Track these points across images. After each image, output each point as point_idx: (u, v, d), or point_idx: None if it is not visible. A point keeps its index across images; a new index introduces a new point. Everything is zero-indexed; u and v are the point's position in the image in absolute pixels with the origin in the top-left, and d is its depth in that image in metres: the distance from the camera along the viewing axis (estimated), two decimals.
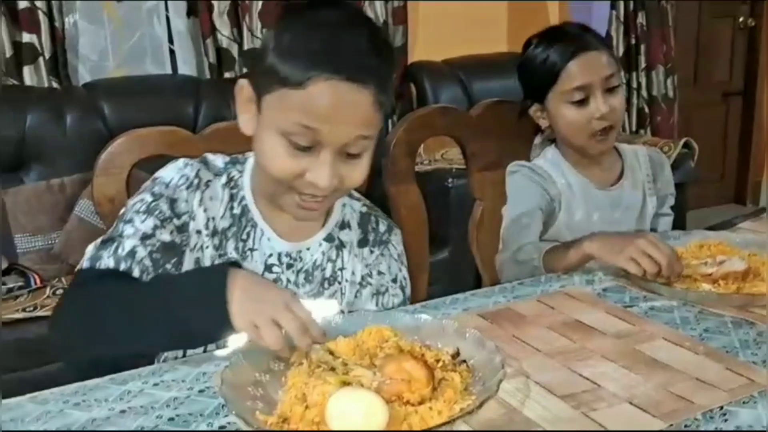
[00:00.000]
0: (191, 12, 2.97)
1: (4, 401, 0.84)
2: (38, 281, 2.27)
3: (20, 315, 2.09)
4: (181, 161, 1.07)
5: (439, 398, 0.77)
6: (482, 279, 1.64)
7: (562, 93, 1.40)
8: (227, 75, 2.99)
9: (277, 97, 0.95)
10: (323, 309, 1.06)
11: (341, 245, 1.14)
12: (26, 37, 2.58)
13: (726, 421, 0.76)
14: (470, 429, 0.75)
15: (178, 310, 0.88)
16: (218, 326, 0.86)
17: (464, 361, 0.86)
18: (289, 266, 1.10)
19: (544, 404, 0.81)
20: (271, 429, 0.74)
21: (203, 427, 0.78)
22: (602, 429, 0.75)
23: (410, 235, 1.51)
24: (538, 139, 1.62)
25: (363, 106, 0.94)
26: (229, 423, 0.78)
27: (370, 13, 3.22)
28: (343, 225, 1.15)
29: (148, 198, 1.03)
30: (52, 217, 2.43)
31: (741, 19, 4.40)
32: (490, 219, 1.61)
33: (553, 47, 1.41)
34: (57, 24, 2.65)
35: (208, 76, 2.97)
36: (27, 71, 2.61)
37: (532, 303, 1.11)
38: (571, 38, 1.41)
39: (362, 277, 1.15)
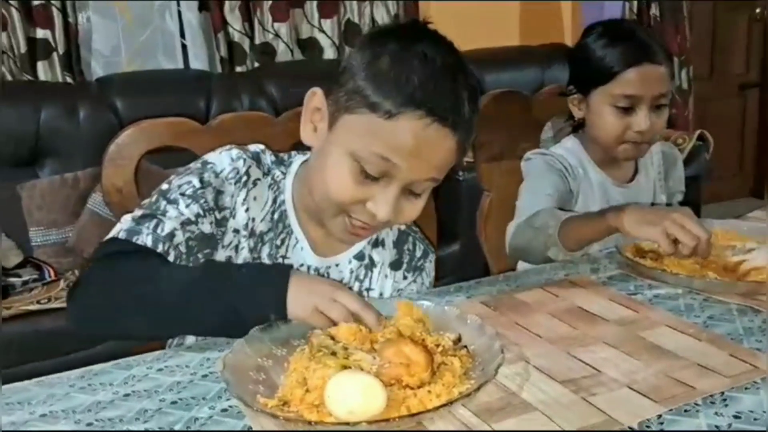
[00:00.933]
0: (203, 7, 2.99)
1: (12, 385, 0.85)
2: (53, 274, 2.30)
3: (35, 307, 2.12)
4: (234, 151, 1.04)
5: (437, 382, 0.77)
6: (490, 269, 1.64)
7: (611, 95, 1.37)
8: (238, 69, 3.00)
9: (359, 120, 0.93)
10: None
11: (371, 264, 1.12)
12: (40, 33, 2.61)
13: (726, 406, 0.76)
14: (469, 412, 0.75)
15: (233, 297, 0.88)
16: (271, 313, 0.88)
17: (465, 346, 0.87)
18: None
19: (542, 388, 0.81)
20: (271, 412, 0.74)
21: (205, 410, 0.79)
22: (602, 413, 0.75)
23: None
24: (548, 130, 1.61)
25: (446, 151, 0.94)
26: (231, 406, 0.79)
27: (381, 7, 3.22)
28: (377, 243, 1.13)
29: (196, 183, 1.00)
30: (66, 211, 2.45)
31: (758, 11, 4.35)
32: (498, 210, 1.61)
33: (617, 46, 1.37)
34: (71, 20, 2.67)
35: (219, 70, 2.98)
36: (41, 67, 2.64)
37: (536, 290, 1.11)
38: (639, 44, 1.36)
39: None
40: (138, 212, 0.98)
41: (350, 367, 0.78)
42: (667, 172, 1.57)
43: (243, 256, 1.05)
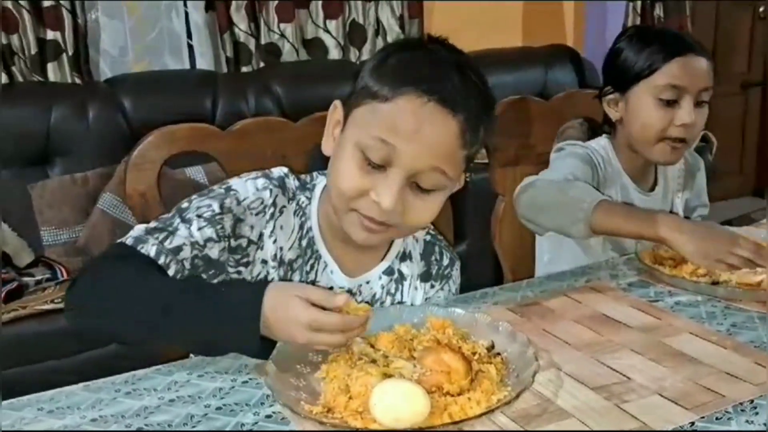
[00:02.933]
0: (209, 7, 3.00)
1: (59, 389, 0.88)
2: (65, 273, 2.31)
3: (49, 306, 2.13)
4: (260, 180, 1.03)
5: (476, 389, 0.80)
6: (504, 273, 1.66)
7: (654, 87, 1.35)
8: (244, 69, 3.02)
9: (363, 111, 0.95)
10: None
11: (401, 278, 1.12)
12: (50, 35, 2.62)
13: (757, 414, 0.79)
14: (507, 419, 0.78)
15: (207, 323, 0.87)
16: (244, 345, 0.87)
17: (498, 353, 0.89)
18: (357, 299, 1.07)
19: (575, 395, 0.84)
20: (317, 418, 0.77)
21: (250, 415, 0.81)
22: (636, 419, 0.78)
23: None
24: (557, 139, 1.62)
25: (446, 135, 0.92)
26: (274, 412, 0.82)
27: (386, 7, 3.24)
28: (405, 256, 1.13)
29: (216, 207, 0.98)
30: (77, 211, 2.47)
31: (761, 9, 4.36)
32: (512, 214, 1.63)
33: (656, 43, 1.36)
34: (79, 21, 2.68)
35: (225, 70, 3.00)
36: (51, 68, 2.65)
37: (560, 297, 1.13)
38: (679, 37, 1.37)
39: None
40: (152, 224, 0.98)
41: (392, 375, 0.81)
42: (686, 182, 1.57)
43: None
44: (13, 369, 1.96)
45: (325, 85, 2.82)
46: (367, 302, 1.05)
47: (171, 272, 0.95)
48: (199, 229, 0.97)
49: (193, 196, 1.02)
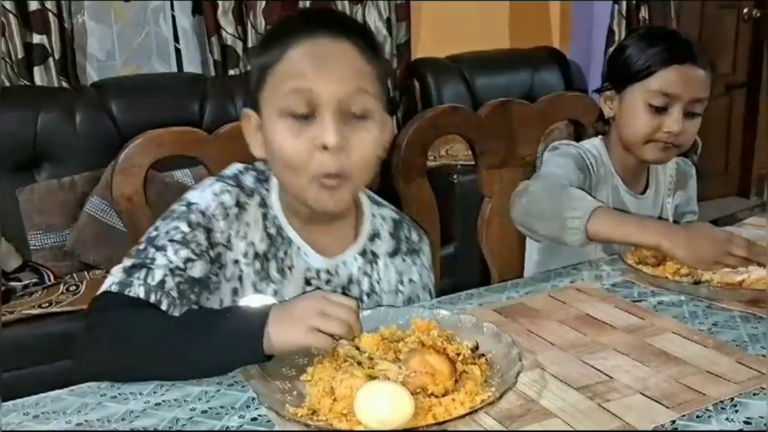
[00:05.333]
0: (196, 10, 3.00)
1: (45, 394, 0.88)
2: (52, 278, 2.31)
3: (37, 311, 2.13)
4: (217, 185, 1.04)
5: (461, 390, 0.80)
6: (491, 275, 1.67)
7: (647, 91, 1.36)
8: (232, 72, 3.02)
9: (268, 87, 0.99)
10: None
11: (375, 258, 1.14)
12: (37, 39, 2.61)
13: (737, 412, 0.80)
14: (491, 419, 0.79)
15: (214, 349, 0.89)
16: (252, 361, 0.88)
17: (483, 354, 0.90)
18: (327, 282, 1.10)
19: (560, 395, 0.84)
20: (302, 421, 0.77)
21: (236, 419, 0.82)
22: (618, 419, 0.79)
23: None
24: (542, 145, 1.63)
25: (348, 58, 0.97)
26: (260, 415, 0.82)
27: (373, 10, 3.25)
28: (375, 236, 1.15)
29: (184, 228, 0.99)
30: (64, 215, 2.46)
31: (745, 10, 4.40)
32: (499, 216, 1.64)
33: (659, 45, 1.36)
34: (66, 24, 2.68)
35: (213, 73, 3.00)
36: (37, 72, 2.64)
37: (544, 298, 1.14)
38: (683, 44, 1.37)
39: (395, 285, 1.16)
40: (128, 262, 0.98)
41: (377, 377, 0.81)
42: (676, 188, 1.58)
43: (250, 282, 1.06)
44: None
45: None
46: (345, 290, 1.11)
47: (164, 306, 0.96)
48: (176, 252, 0.98)
49: (158, 222, 1.02)
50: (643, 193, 1.52)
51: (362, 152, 0.99)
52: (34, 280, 2.28)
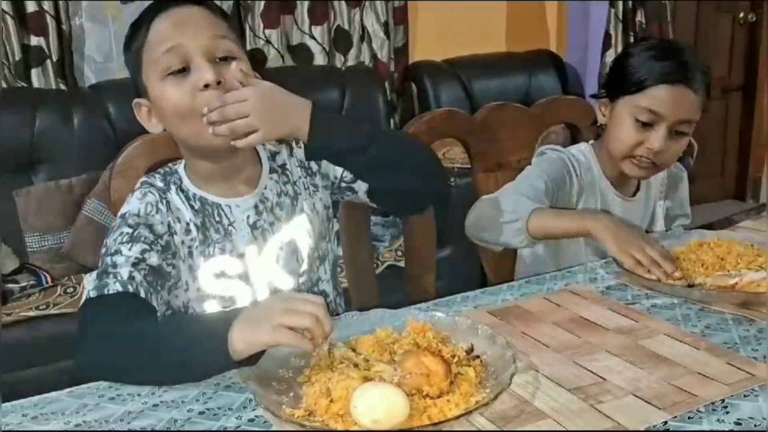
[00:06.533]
0: None
1: (43, 395, 0.89)
2: (49, 280, 2.31)
3: (34, 313, 2.14)
4: (137, 193, 1.13)
5: (456, 391, 0.81)
6: (488, 278, 1.68)
7: (635, 106, 1.37)
8: None
9: (143, 63, 1.09)
10: (301, 226, 1.20)
11: (283, 168, 1.22)
12: (34, 40, 2.62)
13: (728, 413, 0.81)
14: (485, 420, 0.80)
15: (181, 353, 0.91)
16: (218, 364, 0.89)
17: (478, 356, 0.91)
18: (265, 210, 1.17)
19: (553, 396, 0.85)
20: (298, 422, 0.78)
21: (233, 420, 0.83)
22: (610, 419, 0.80)
23: (418, 236, 1.57)
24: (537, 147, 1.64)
25: (203, 16, 1.09)
26: (257, 416, 0.83)
27: (371, 13, 3.26)
28: (273, 156, 1.23)
29: (127, 229, 1.07)
30: (61, 217, 2.47)
31: (741, 15, 4.41)
32: None
33: (659, 61, 1.36)
34: (64, 26, 2.68)
35: None
36: (35, 73, 2.65)
37: (539, 300, 1.15)
38: (682, 65, 1.36)
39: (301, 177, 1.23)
40: (94, 274, 1.06)
41: (372, 378, 0.82)
42: (668, 192, 1.59)
43: (198, 252, 1.13)
44: None
45: (311, 91, 2.81)
46: (276, 202, 1.17)
47: (142, 294, 1.02)
48: (130, 249, 1.05)
49: (104, 241, 1.09)
50: (633, 195, 1.53)
51: (232, 81, 1.06)
52: (31, 282, 2.29)
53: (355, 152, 1.11)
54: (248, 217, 1.16)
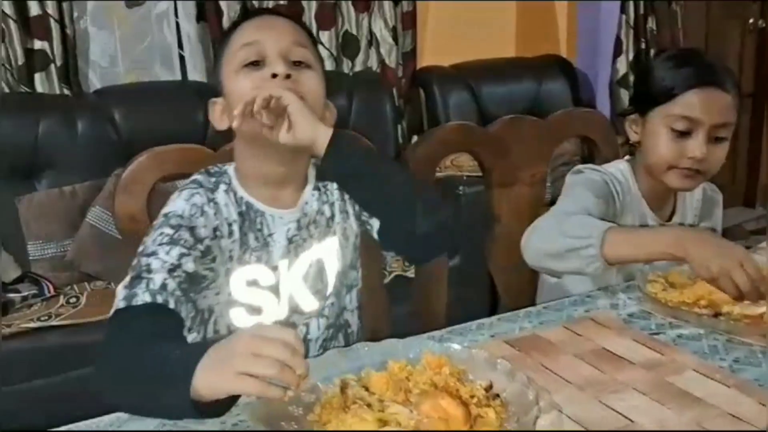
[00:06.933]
0: (201, 17, 2.96)
1: None
2: (51, 289, 2.27)
3: (35, 324, 2.09)
4: (184, 193, 1.11)
5: None
6: (499, 295, 1.64)
7: (668, 115, 1.32)
8: None
9: (224, 59, 1.13)
10: (331, 247, 1.19)
11: (325, 187, 1.21)
12: (38, 45, 2.57)
13: None
14: None
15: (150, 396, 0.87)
16: (183, 407, 0.82)
17: (497, 395, 0.86)
18: (303, 226, 1.17)
19: None
20: None
21: None
22: None
23: None
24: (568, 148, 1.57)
25: (286, 23, 1.14)
26: None
27: (379, 19, 3.21)
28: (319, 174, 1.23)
29: (168, 230, 1.05)
30: (65, 225, 2.43)
31: (751, 21, 4.37)
32: (507, 238, 1.60)
33: (684, 67, 1.33)
34: (68, 31, 2.64)
35: None
36: (38, 78, 2.60)
37: (559, 329, 1.11)
38: (707, 67, 1.34)
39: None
40: (127, 279, 1.02)
41: (387, 421, 0.78)
42: (702, 216, 1.53)
43: (236, 256, 1.12)
44: None
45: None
46: (314, 219, 1.17)
47: (171, 305, 0.99)
48: (167, 252, 1.02)
49: (144, 239, 1.07)
50: (669, 219, 1.47)
51: (309, 83, 1.10)
52: (33, 292, 2.25)
53: (369, 179, 1.11)
54: (288, 230, 1.16)
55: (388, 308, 1.47)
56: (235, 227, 1.12)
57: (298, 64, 1.10)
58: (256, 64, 1.09)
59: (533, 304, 1.58)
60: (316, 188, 1.21)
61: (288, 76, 1.07)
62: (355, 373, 0.91)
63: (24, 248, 2.39)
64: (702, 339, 1.06)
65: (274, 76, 1.07)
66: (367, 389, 0.84)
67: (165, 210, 1.09)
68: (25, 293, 2.24)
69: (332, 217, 1.21)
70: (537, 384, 0.91)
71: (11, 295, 2.21)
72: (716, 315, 1.11)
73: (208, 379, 0.80)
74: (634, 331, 1.09)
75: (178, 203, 1.10)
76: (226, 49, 1.14)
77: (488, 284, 1.70)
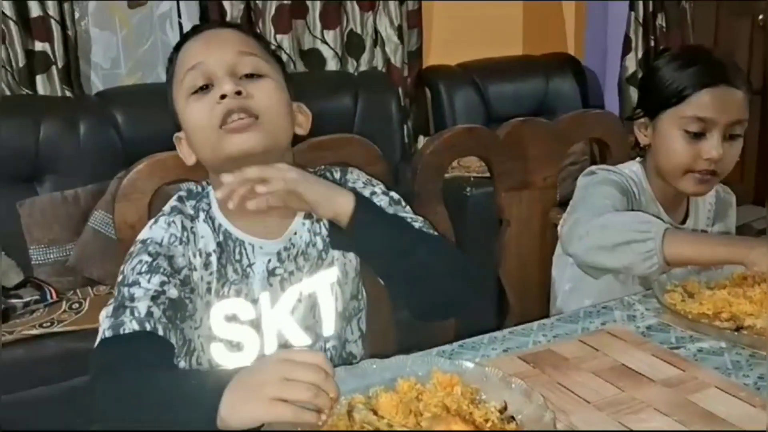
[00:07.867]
0: (203, 17, 2.93)
1: None
2: (54, 295, 2.24)
3: (37, 331, 2.06)
4: (161, 220, 1.07)
5: None
6: (509, 301, 1.60)
7: (681, 117, 1.29)
8: None
9: (173, 89, 1.09)
10: (324, 280, 1.13)
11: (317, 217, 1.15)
12: (39, 46, 2.54)
13: None
14: None
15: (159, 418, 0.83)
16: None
17: (513, 417, 0.82)
18: (288, 258, 1.11)
19: None
20: None
21: None
22: None
23: None
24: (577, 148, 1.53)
25: (230, 34, 1.10)
26: None
27: (385, 17, 3.17)
28: None
29: (146, 258, 1.02)
30: (67, 229, 2.40)
31: (760, 17, 4.33)
32: (517, 242, 1.57)
33: (691, 67, 1.30)
34: (69, 32, 2.61)
35: None
36: (40, 80, 2.57)
37: (574, 344, 1.06)
38: (717, 65, 1.30)
39: None
40: (109, 308, 0.99)
41: None
42: (716, 218, 1.49)
43: (213, 290, 1.08)
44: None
45: (324, 98, 2.75)
46: (302, 251, 1.11)
47: (160, 332, 0.96)
48: (148, 281, 0.99)
49: (121, 268, 1.04)
50: (683, 222, 1.44)
51: (264, 95, 1.05)
52: (35, 297, 2.21)
53: (392, 255, 1.05)
54: (269, 261, 1.10)
55: (393, 320, 1.43)
56: (213, 258, 1.07)
57: (249, 76, 1.05)
58: (205, 88, 1.04)
59: (544, 309, 1.55)
60: (308, 216, 1.13)
61: (239, 93, 1.02)
62: (363, 392, 0.87)
63: (26, 253, 2.36)
64: (724, 354, 1.02)
65: (223, 97, 1.02)
66: (375, 413, 0.80)
67: (142, 236, 1.06)
68: (28, 299, 2.21)
69: (325, 249, 1.14)
70: (552, 402, 0.87)
71: (13, 300, 2.18)
72: (738, 329, 1.07)
73: (238, 408, 0.77)
74: (653, 345, 1.05)
75: (156, 231, 1.06)
76: (174, 76, 1.09)
77: (496, 285, 1.66)
